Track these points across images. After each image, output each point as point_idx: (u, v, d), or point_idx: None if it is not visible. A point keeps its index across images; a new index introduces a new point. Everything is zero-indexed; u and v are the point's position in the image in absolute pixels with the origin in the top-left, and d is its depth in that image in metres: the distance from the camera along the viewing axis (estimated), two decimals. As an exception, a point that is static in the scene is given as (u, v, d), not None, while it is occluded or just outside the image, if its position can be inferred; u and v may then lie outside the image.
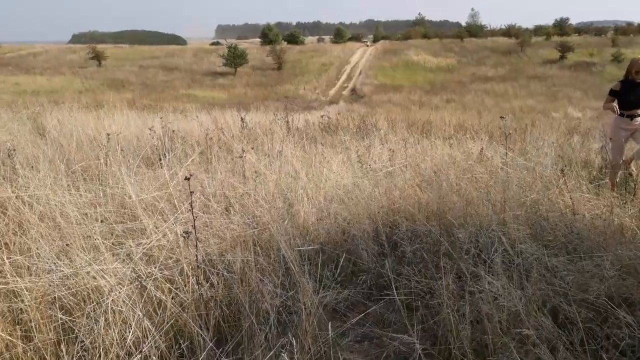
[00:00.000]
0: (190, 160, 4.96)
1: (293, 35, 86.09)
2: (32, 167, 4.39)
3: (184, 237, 2.41)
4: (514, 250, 2.81)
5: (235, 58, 53.57)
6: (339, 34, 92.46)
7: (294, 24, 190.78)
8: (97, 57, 56.64)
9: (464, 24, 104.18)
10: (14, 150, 4.86)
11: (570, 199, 3.62)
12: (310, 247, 2.90)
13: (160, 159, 5.83)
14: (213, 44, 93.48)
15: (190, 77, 50.98)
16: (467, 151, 6.84)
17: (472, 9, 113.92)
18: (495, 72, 51.80)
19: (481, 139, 9.11)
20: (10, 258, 2.36)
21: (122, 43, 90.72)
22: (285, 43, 76.29)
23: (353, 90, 44.93)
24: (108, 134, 5.49)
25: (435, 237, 3.24)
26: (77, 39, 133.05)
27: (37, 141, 6.12)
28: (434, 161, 6.09)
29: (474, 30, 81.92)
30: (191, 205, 2.40)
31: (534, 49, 60.72)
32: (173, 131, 7.05)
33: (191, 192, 2.43)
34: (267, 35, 79.97)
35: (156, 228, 2.95)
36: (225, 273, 2.40)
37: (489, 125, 11.11)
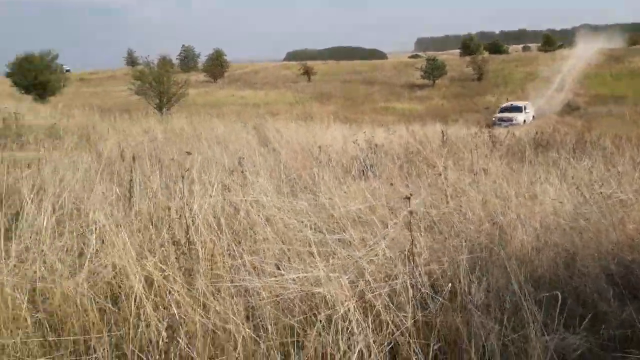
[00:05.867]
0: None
1: (495, 44, 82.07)
2: (257, 173, 4.93)
3: (405, 255, 2.39)
4: None
5: (434, 70, 53.10)
6: (548, 41, 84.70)
7: (497, 32, 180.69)
8: (307, 73, 62.21)
9: None
10: (243, 158, 5.56)
11: None
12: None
13: (364, 172, 6.05)
14: (412, 56, 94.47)
15: (389, 90, 52.29)
16: None
17: None
18: None
19: None
20: (243, 259, 2.65)
21: (329, 59, 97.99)
22: (487, 53, 72.92)
23: (565, 101, 40.50)
24: (319, 147, 5.89)
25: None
26: (290, 56, 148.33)
27: (261, 150, 6.93)
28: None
29: None
30: (410, 226, 2.38)
31: None
32: (376, 145, 7.26)
33: (410, 212, 2.41)
34: (468, 45, 77.54)
35: (363, 241, 3.02)
36: (442, 300, 2.29)
37: None
